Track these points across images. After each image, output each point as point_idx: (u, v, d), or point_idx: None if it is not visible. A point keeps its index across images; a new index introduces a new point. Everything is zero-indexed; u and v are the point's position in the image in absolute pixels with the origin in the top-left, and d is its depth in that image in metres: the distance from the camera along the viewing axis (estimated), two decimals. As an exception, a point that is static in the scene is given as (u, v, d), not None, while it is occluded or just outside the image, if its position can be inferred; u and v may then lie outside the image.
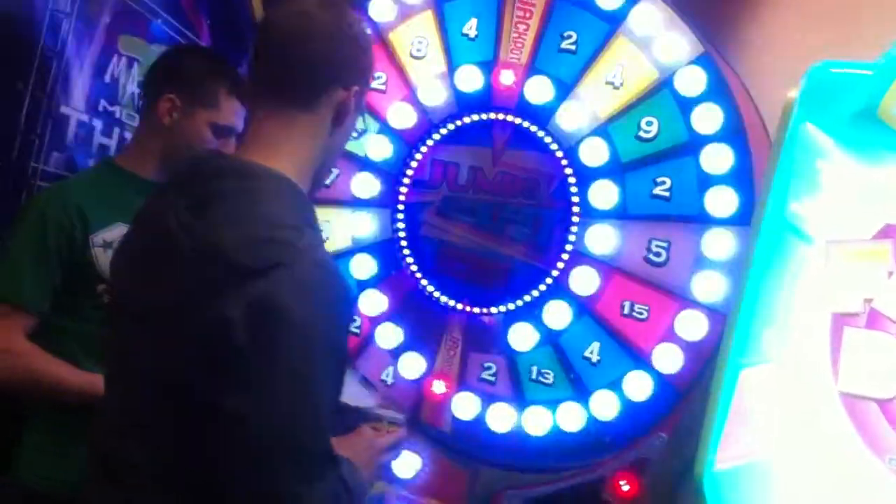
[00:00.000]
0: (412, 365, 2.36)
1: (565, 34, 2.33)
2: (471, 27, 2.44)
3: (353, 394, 1.73)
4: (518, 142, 2.36)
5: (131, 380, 1.30)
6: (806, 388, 1.66)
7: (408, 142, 2.46)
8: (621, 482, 2.08)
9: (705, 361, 2.04)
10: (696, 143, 2.16)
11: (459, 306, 2.35)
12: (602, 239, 2.20)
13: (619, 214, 2.22)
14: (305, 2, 1.39)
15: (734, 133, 2.13)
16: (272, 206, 1.26)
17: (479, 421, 2.27)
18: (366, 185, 2.47)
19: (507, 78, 2.36)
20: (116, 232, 1.89)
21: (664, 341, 2.11)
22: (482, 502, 2.27)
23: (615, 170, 2.23)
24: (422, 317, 2.39)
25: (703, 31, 2.21)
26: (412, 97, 2.46)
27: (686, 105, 2.17)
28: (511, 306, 2.30)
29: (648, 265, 2.17)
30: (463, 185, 2.41)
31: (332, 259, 1.34)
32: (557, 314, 2.22)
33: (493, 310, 2.31)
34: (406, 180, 2.45)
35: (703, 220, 2.12)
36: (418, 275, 2.40)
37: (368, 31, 1.47)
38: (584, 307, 2.21)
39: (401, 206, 2.45)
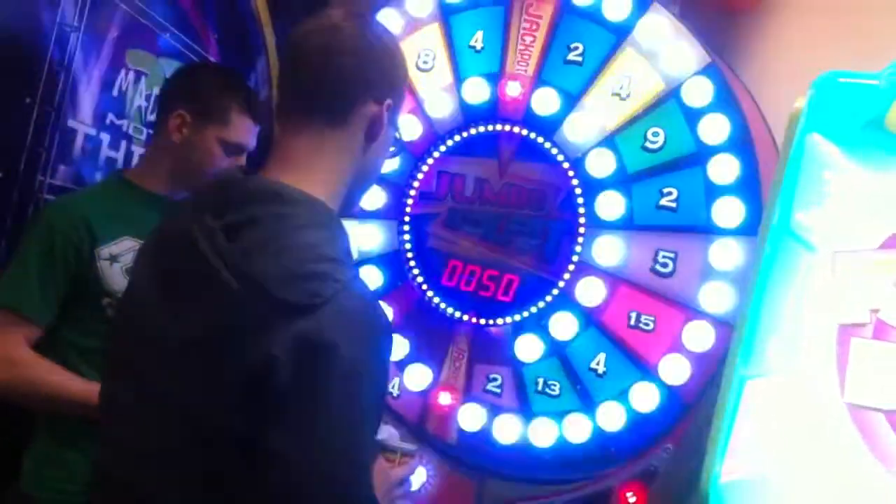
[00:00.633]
0: (418, 376, 2.35)
1: (572, 46, 2.34)
2: (477, 39, 2.44)
3: None
4: (524, 153, 2.36)
5: (153, 411, 1.23)
6: (812, 399, 1.64)
7: (414, 154, 2.46)
8: (628, 494, 2.07)
9: (712, 373, 2.03)
10: (702, 153, 2.15)
11: (465, 318, 2.34)
12: (609, 250, 2.20)
13: (626, 225, 2.21)
14: (332, 15, 1.34)
15: (741, 143, 2.12)
16: (310, 235, 1.20)
17: (486, 432, 2.26)
18: (372, 196, 2.47)
19: (513, 90, 2.36)
20: (123, 246, 1.90)
21: (671, 352, 2.10)
22: (488, 514, 2.26)
23: (622, 181, 2.23)
24: (428, 328, 2.39)
25: (709, 41, 2.21)
26: (419, 109, 2.47)
27: (693, 116, 2.17)
28: (517, 317, 2.29)
29: (655, 276, 2.16)
30: (469, 197, 2.41)
31: (370, 290, 1.28)
32: (564, 325, 2.22)
33: (500, 321, 2.30)
34: (412, 192, 2.46)
35: (710, 231, 2.12)
36: (424, 286, 2.40)
37: (397, 42, 1.41)
38: (590, 318, 2.21)
39: (407, 218, 2.45)
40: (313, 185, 1.27)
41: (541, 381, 2.24)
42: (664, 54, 2.21)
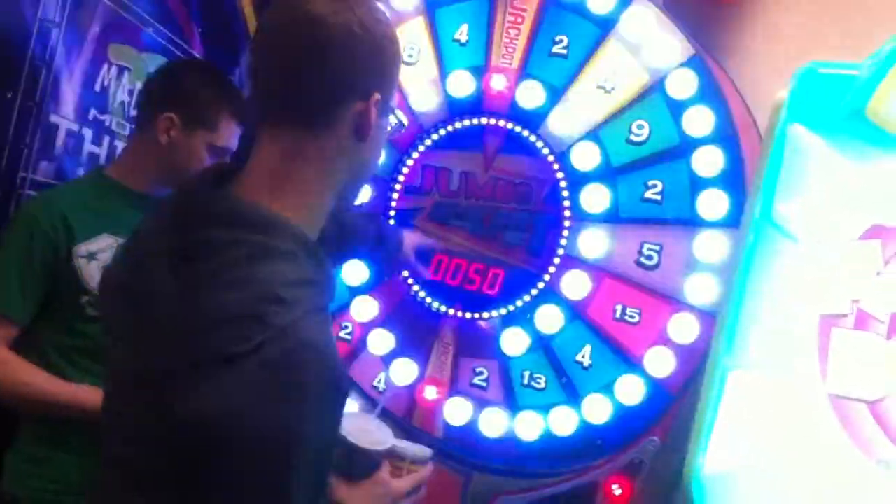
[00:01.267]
0: (404, 371, 2.34)
1: (556, 39, 2.33)
2: (462, 33, 2.44)
3: (371, 431, 1.57)
4: (510, 147, 2.36)
5: (118, 429, 1.16)
6: (794, 389, 1.65)
7: (399, 147, 2.45)
8: (614, 486, 2.07)
9: (697, 365, 2.03)
10: (687, 145, 2.15)
11: (451, 312, 2.34)
12: (594, 243, 2.19)
13: (611, 218, 2.21)
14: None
15: (726, 135, 2.12)
16: (263, 268, 1.08)
17: (472, 426, 2.26)
18: (358, 191, 2.46)
19: (498, 83, 2.35)
20: (101, 243, 1.88)
21: (656, 345, 2.10)
22: (475, 508, 2.26)
23: (607, 174, 2.23)
24: (413, 323, 2.38)
25: (694, 33, 2.21)
26: (404, 103, 2.46)
27: (677, 108, 2.17)
28: (503, 311, 2.29)
29: (640, 269, 2.16)
30: (455, 191, 2.40)
31: (322, 331, 1.12)
32: (549, 318, 2.21)
33: (486, 315, 2.30)
34: (397, 186, 2.45)
35: (695, 223, 2.12)
36: (410, 281, 2.40)
37: (385, 22, 1.23)
38: (575, 311, 2.20)
39: (392, 213, 2.45)
40: (288, 200, 1.16)
41: (527, 374, 2.24)
42: (649, 47, 2.21)
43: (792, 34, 2.24)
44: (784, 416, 1.65)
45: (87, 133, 2.20)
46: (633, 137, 2.22)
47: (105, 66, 2.23)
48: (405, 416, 2.35)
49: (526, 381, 2.24)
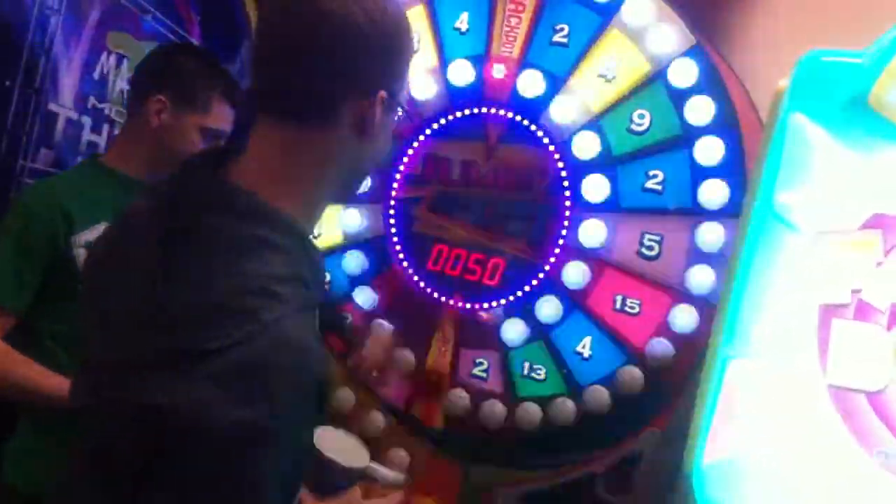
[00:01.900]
0: (404, 362, 2.34)
1: (557, 27, 2.32)
2: (462, 21, 2.42)
3: (347, 449, 1.55)
4: (511, 136, 2.34)
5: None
6: (794, 380, 1.63)
7: (399, 137, 2.44)
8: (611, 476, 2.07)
9: (698, 356, 2.01)
10: (688, 135, 2.13)
11: (451, 302, 2.33)
12: (594, 233, 2.18)
13: (612, 208, 2.19)
14: None
15: (727, 125, 2.11)
16: (252, 259, 1.05)
17: (472, 417, 2.25)
18: (357, 180, 2.45)
19: (499, 72, 2.34)
20: (100, 232, 1.87)
21: (657, 335, 2.09)
22: (475, 499, 2.25)
23: (607, 163, 2.21)
24: (413, 313, 2.37)
25: (696, 22, 2.19)
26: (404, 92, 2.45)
27: (678, 97, 2.15)
28: (503, 301, 2.28)
29: (641, 259, 2.15)
30: (456, 180, 2.39)
31: (308, 331, 1.10)
32: (549, 309, 2.20)
33: (486, 305, 2.29)
34: (398, 175, 2.44)
35: (697, 213, 2.10)
36: (410, 271, 2.39)
37: (395, 13, 1.19)
38: (576, 302, 2.19)
39: (392, 202, 2.44)
40: (286, 192, 1.13)
41: (527, 365, 2.23)
42: (650, 35, 2.19)
43: (794, 22, 2.22)
44: (784, 407, 1.64)
45: (87, 121, 2.20)
46: (634, 127, 2.20)
47: (104, 55, 2.23)
48: (404, 407, 2.35)
49: (526, 372, 2.23)
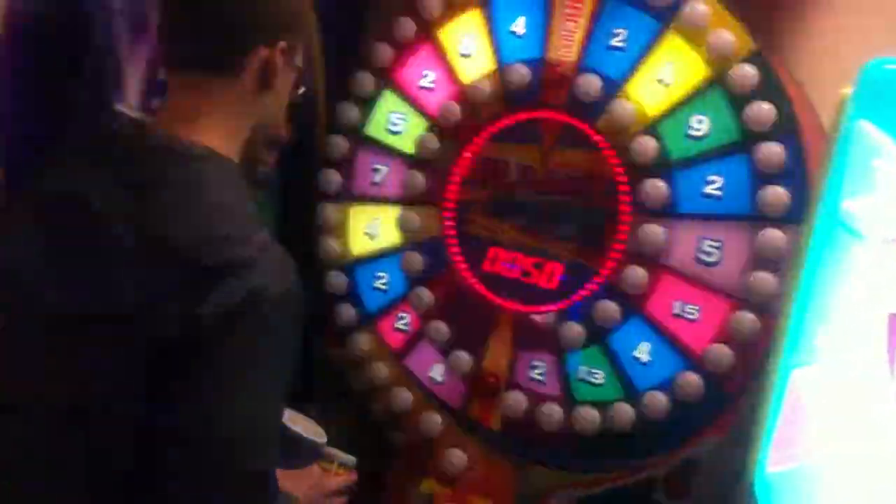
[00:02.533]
0: (460, 363, 2.36)
1: (615, 31, 2.32)
2: (519, 25, 2.43)
3: (307, 429, 1.67)
4: (567, 139, 2.35)
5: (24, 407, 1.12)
6: (860, 388, 1.63)
7: (456, 140, 2.46)
8: (671, 482, 2.07)
9: (757, 362, 2.02)
10: (748, 140, 2.13)
11: (508, 305, 2.35)
12: (652, 238, 2.18)
13: (670, 213, 2.19)
14: None
15: (788, 130, 2.09)
16: (222, 195, 1.14)
17: (528, 419, 2.27)
18: (414, 182, 2.48)
19: (555, 75, 2.35)
20: None
21: (715, 341, 2.09)
22: (530, 501, 2.27)
23: (665, 168, 2.21)
24: (470, 314, 2.40)
25: (756, 26, 2.18)
26: (461, 95, 2.47)
27: (738, 102, 2.14)
28: (560, 305, 2.29)
29: (700, 265, 2.15)
30: (511, 184, 2.41)
31: (286, 254, 1.19)
32: (607, 313, 2.21)
33: (543, 308, 2.31)
34: (454, 178, 2.46)
35: (756, 219, 2.09)
36: (466, 273, 2.41)
37: None
38: (633, 307, 2.20)
39: (449, 205, 2.46)
40: (212, 141, 1.18)
41: (584, 369, 2.24)
42: (709, 40, 2.19)
43: (857, 28, 2.20)
44: (851, 415, 1.63)
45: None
46: (692, 132, 2.20)
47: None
48: (461, 408, 2.38)
49: (583, 376, 2.24)
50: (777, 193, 2.06)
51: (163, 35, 1.26)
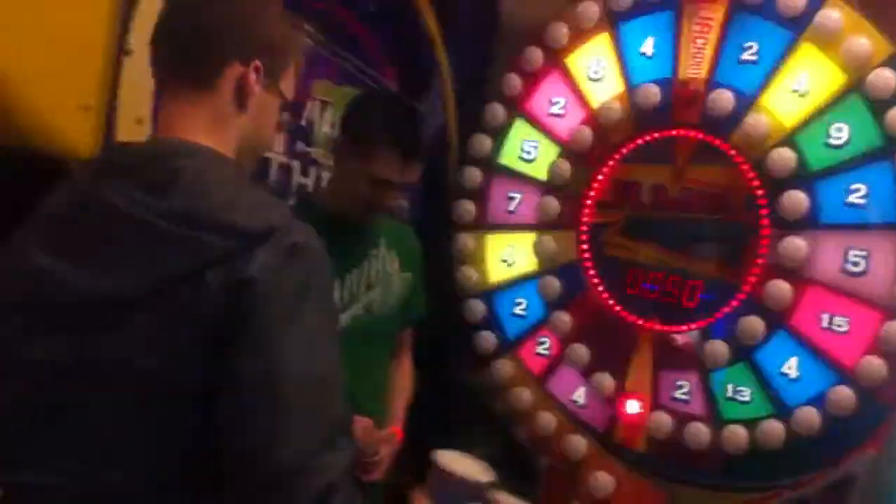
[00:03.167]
0: (603, 385, 2.36)
1: (745, 45, 2.30)
2: (648, 45, 2.44)
3: (470, 470, 1.56)
4: (701, 156, 2.34)
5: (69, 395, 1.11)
6: None
7: (588, 163, 2.48)
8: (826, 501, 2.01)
9: (915, 374, 1.94)
10: (891, 146, 2.07)
11: (649, 325, 2.34)
12: (794, 251, 2.14)
13: (812, 225, 2.15)
14: None
15: (933, 134, 2.03)
16: (236, 175, 1.19)
17: (675, 440, 2.24)
18: (548, 208, 2.51)
19: (687, 93, 2.34)
20: None
21: (868, 354, 2.02)
22: (683, 523, 2.24)
23: (805, 179, 2.17)
24: (610, 336, 2.40)
25: (892, 30, 2.13)
26: (591, 119, 2.49)
27: (879, 108, 2.09)
28: (702, 323, 2.27)
29: (847, 276, 2.09)
30: (646, 204, 2.40)
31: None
32: (751, 330, 2.17)
33: (684, 327, 2.29)
34: (588, 201, 2.47)
35: (905, 227, 2.03)
36: (605, 294, 2.41)
37: (279, 9, 1.29)
38: (779, 322, 2.15)
39: (584, 228, 2.47)
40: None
41: (730, 387, 2.21)
42: (844, 47, 2.14)
43: None
44: None
45: (296, 165, 2.34)
46: (831, 141, 2.15)
47: (309, 102, 2.36)
48: (605, 430, 2.37)
49: (730, 394, 2.20)
50: (925, 199, 1.99)
51: (153, 59, 1.27)
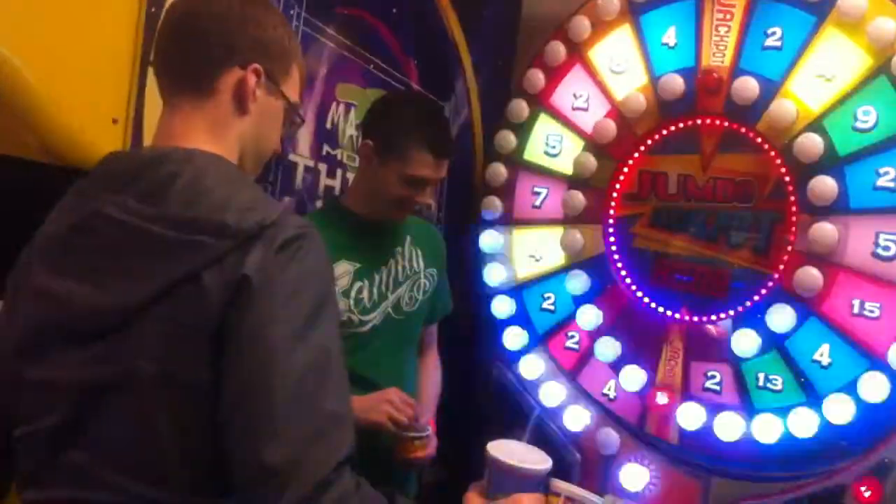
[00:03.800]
0: (634, 377, 2.35)
1: (769, 31, 2.28)
2: (670, 35, 2.43)
3: (522, 454, 1.51)
4: (728, 145, 2.33)
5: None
6: None
7: (614, 156, 2.47)
8: (862, 488, 1.98)
9: (949, 358, 1.91)
10: (920, 128, 2.04)
11: (678, 316, 2.33)
12: (824, 237, 2.11)
13: (842, 210, 2.12)
14: None
15: (962, 114, 2.00)
16: (230, 174, 1.18)
17: (707, 430, 2.23)
18: (574, 202, 2.50)
19: (712, 82, 2.33)
20: (340, 269, 1.99)
21: (900, 339, 2.00)
22: (718, 514, 2.22)
23: (833, 164, 2.15)
24: (640, 328, 2.39)
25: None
26: (615, 112, 2.48)
27: (907, 89, 2.06)
28: (732, 312, 2.25)
29: (878, 260, 2.07)
30: (673, 195, 2.39)
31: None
32: (782, 318, 2.15)
33: (714, 317, 2.27)
34: (615, 194, 2.47)
35: (937, 209, 2.00)
36: (633, 287, 2.40)
37: (275, 13, 1.29)
38: (809, 309, 2.13)
39: (611, 220, 2.47)
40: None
41: (762, 376, 2.19)
42: (868, 29, 2.12)
43: None
44: None
45: (322, 168, 2.36)
46: (859, 125, 2.13)
47: (334, 105, 2.38)
48: (638, 423, 2.36)
49: (762, 383, 2.19)
50: (956, 180, 1.96)
51: (154, 59, 1.30)
